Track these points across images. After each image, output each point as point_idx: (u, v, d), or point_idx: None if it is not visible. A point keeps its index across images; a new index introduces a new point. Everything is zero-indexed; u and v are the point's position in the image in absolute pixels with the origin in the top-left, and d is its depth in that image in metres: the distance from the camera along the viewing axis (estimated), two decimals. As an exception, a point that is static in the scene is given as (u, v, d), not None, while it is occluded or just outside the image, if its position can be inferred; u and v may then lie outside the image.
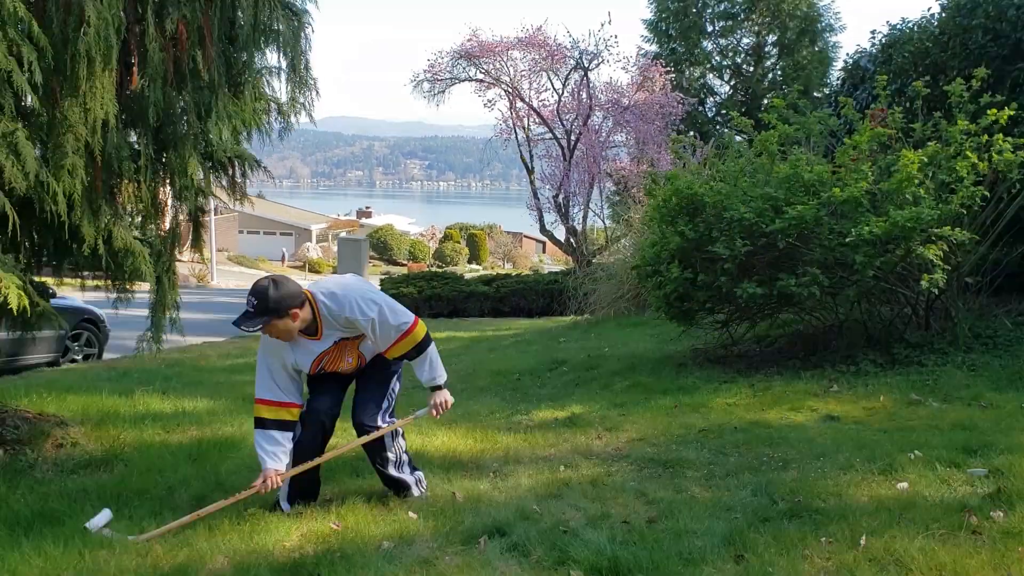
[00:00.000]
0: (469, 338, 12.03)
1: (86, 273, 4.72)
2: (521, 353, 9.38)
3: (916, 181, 5.73)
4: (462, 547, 3.07)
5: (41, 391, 5.84)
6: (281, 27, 4.14)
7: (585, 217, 17.98)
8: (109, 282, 4.52)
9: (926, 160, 5.91)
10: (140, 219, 4.40)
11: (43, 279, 4.97)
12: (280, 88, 4.57)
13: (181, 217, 4.46)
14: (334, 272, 31.52)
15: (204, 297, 23.15)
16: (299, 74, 4.34)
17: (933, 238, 5.68)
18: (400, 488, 3.72)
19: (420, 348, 3.54)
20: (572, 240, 17.88)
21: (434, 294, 18.42)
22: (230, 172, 4.74)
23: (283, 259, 46.35)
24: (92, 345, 10.12)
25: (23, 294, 3.33)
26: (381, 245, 48.46)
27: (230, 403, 5.97)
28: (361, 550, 3.02)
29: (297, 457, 3.57)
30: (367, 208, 67.83)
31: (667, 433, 4.77)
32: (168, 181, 4.19)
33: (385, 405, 3.66)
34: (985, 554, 2.71)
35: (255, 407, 3.50)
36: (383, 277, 23.07)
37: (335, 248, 31.52)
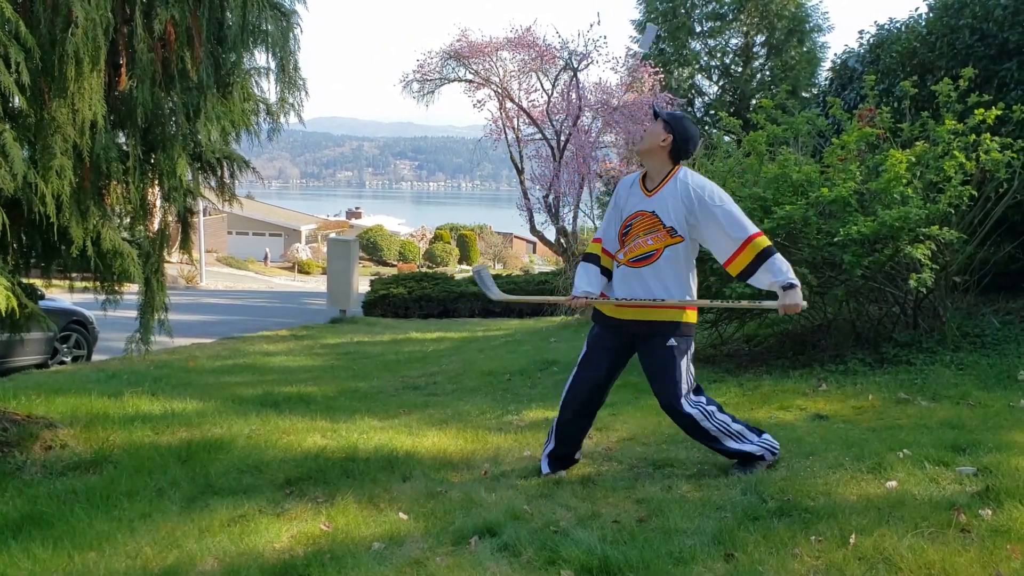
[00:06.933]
0: (459, 338, 12.02)
1: (75, 275, 4.70)
2: (511, 353, 9.38)
3: (904, 181, 5.76)
4: (453, 547, 3.07)
5: (30, 393, 5.81)
6: (270, 28, 4.13)
7: (575, 217, 17.95)
8: (98, 284, 4.50)
9: (914, 160, 5.94)
10: (129, 220, 4.38)
11: (31, 281, 4.95)
12: (269, 89, 4.56)
13: (170, 218, 4.44)
14: (323, 273, 31.43)
15: (193, 299, 23.08)
16: (288, 74, 4.33)
17: (921, 237, 5.71)
18: (746, 460, 3.79)
19: (764, 256, 3.50)
20: (562, 240, 17.85)
21: (424, 295, 18.40)
22: (219, 173, 4.73)
23: (265, 260, 46.09)
24: (81, 347, 10.07)
25: (11, 296, 3.31)
26: (371, 246, 48.38)
27: (219, 404, 5.95)
28: (351, 551, 3.02)
29: (560, 426, 3.94)
30: (357, 209, 67.78)
31: (657, 433, 4.78)
32: (157, 182, 4.17)
33: (684, 388, 3.70)
34: (974, 552, 2.72)
35: (591, 245, 3.93)
36: (373, 278, 23.00)
37: (325, 249, 31.43)
